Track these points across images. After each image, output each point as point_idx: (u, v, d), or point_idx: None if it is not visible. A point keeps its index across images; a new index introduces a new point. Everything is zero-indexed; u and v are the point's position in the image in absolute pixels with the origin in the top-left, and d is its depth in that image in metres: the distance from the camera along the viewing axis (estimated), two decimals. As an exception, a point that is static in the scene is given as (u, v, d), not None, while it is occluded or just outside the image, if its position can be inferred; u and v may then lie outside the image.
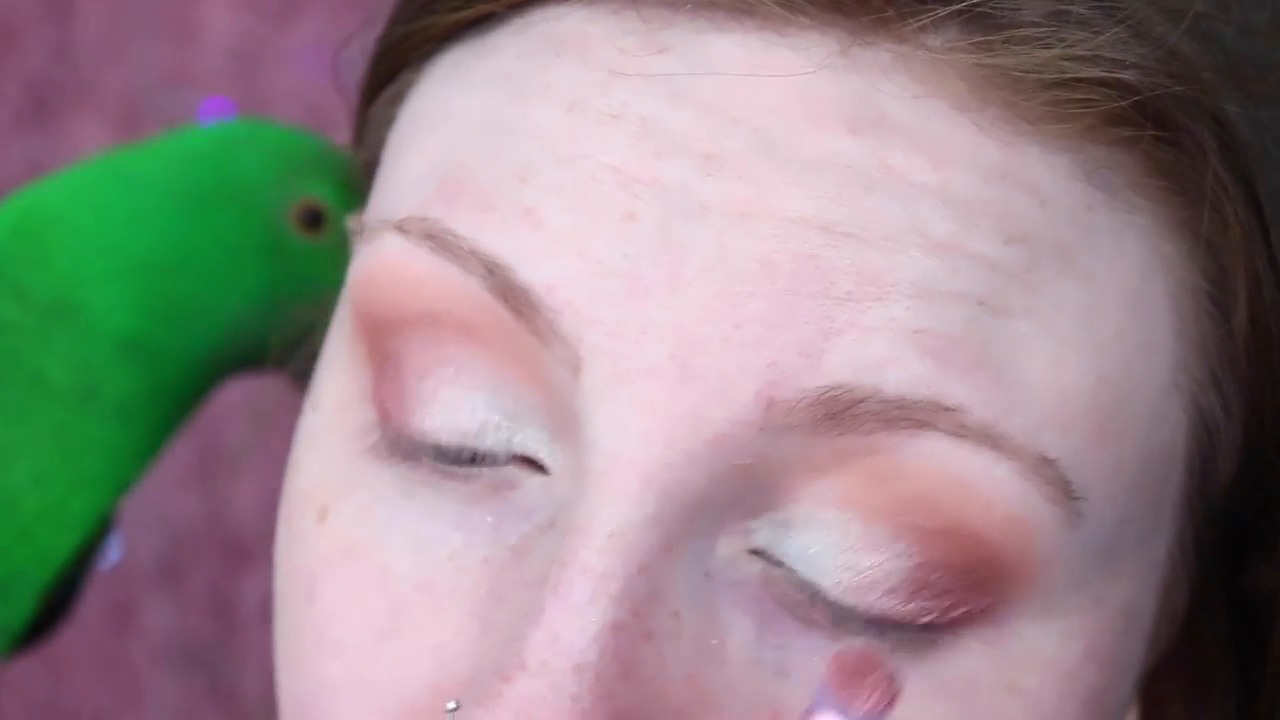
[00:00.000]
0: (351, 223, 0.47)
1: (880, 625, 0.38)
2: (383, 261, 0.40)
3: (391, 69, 0.45)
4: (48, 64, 1.38)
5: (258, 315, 0.56)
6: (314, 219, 0.56)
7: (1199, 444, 0.41)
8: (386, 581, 0.40)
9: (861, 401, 0.36)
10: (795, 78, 0.37)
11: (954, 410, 0.37)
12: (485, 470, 0.40)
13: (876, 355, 0.36)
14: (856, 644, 0.37)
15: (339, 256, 0.53)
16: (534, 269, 0.38)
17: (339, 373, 0.43)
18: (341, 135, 1.43)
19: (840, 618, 0.38)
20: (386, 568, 0.40)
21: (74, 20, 1.37)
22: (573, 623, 0.36)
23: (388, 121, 0.45)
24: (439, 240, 0.39)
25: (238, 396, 1.37)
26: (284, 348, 0.56)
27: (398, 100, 0.44)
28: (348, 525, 0.41)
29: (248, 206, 0.56)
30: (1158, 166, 0.39)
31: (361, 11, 1.48)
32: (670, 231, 0.37)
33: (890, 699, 0.36)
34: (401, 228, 0.40)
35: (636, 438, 0.37)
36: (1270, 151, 0.40)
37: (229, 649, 1.21)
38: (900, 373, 0.36)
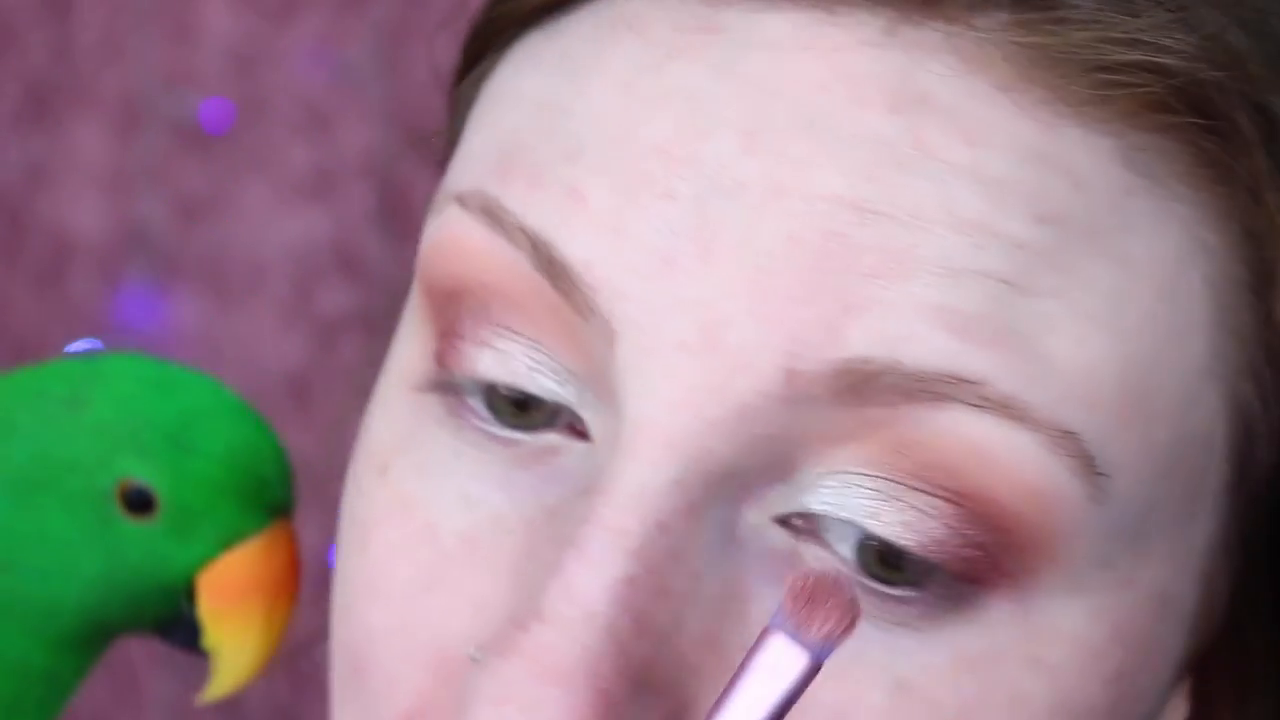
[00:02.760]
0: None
1: (914, 576, 0.38)
2: (445, 233, 0.42)
3: (479, 52, 0.47)
4: (47, 64, 1.38)
5: (104, 604, 0.52)
6: (140, 502, 0.52)
7: (1237, 433, 0.41)
8: (434, 536, 0.41)
9: (880, 375, 0.37)
10: (842, 56, 0.38)
11: (975, 383, 0.37)
12: (530, 437, 0.41)
13: (897, 330, 0.37)
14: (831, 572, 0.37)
15: (184, 533, 0.51)
16: (574, 246, 0.39)
17: (406, 341, 0.45)
18: (340, 134, 1.42)
19: (868, 569, 0.38)
20: (435, 523, 0.41)
21: (73, 20, 1.37)
22: (587, 574, 0.37)
23: (470, 101, 0.46)
24: (492, 215, 0.40)
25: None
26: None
27: (480, 81, 0.46)
28: (403, 481, 0.42)
29: (71, 492, 0.52)
30: (1202, 156, 0.39)
31: (361, 11, 1.47)
32: (706, 209, 0.38)
33: (848, 624, 0.36)
34: (461, 200, 0.41)
35: (664, 406, 0.38)
36: None
37: (229, 649, 1.21)
38: (920, 347, 0.37)
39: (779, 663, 0.36)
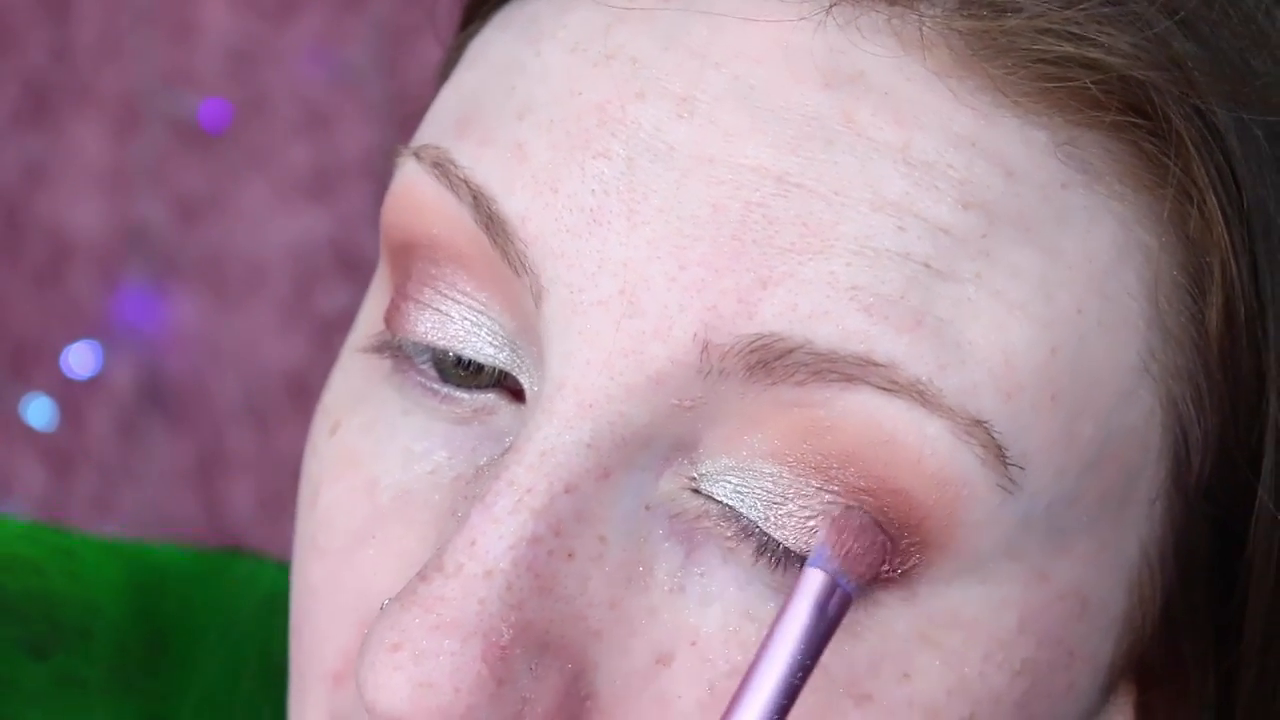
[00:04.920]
0: None
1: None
2: (401, 185, 0.42)
3: (469, 17, 0.48)
4: (46, 63, 1.38)
5: None
6: None
7: (1173, 438, 0.41)
8: (373, 491, 0.42)
9: (791, 352, 0.37)
10: (782, 30, 0.38)
11: (884, 366, 0.37)
12: (469, 395, 0.42)
13: (810, 308, 0.37)
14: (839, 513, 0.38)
15: None
16: (513, 201, 0.39)
17: (371, 298, 0.46)
18: (340, 134, 1.41)
19: (763, 553, 0.39)
20: (375, 478, 0.42)
21: (72, 20, 1.37)
22: (490, 530, 0.37)
23: (455, 61, 0.47)
24: (442, 169, 0.41)
25: (238, 397, 1.37)
26: None
27: (465, 44, 0.47)
28: (352, 437, 0.43)
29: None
30: (1141, 156, 0.39)
31: (361, 11, 1.47)
32: (636, 171, 0.38)
33: (879, 560, 0.37)
34: (418, 154, 0.42)
35: (582, 366, 0.38)
36: (1262, 161, 0.40)
37: (228, 650, 1.21)
38: (832, 327, 0.37)
39: (822, 598, 0.36)
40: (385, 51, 1.26)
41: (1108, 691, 0.43)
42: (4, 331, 1.41)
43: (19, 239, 1.39)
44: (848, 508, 0.38)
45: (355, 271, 1.31)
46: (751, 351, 0.37)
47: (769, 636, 0.36)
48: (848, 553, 0.37)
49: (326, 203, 1.31)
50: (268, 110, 1.31)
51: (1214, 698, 0.45)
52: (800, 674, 0.36)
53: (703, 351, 0.37)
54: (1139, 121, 0.38)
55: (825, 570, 0.37)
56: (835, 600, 0.37)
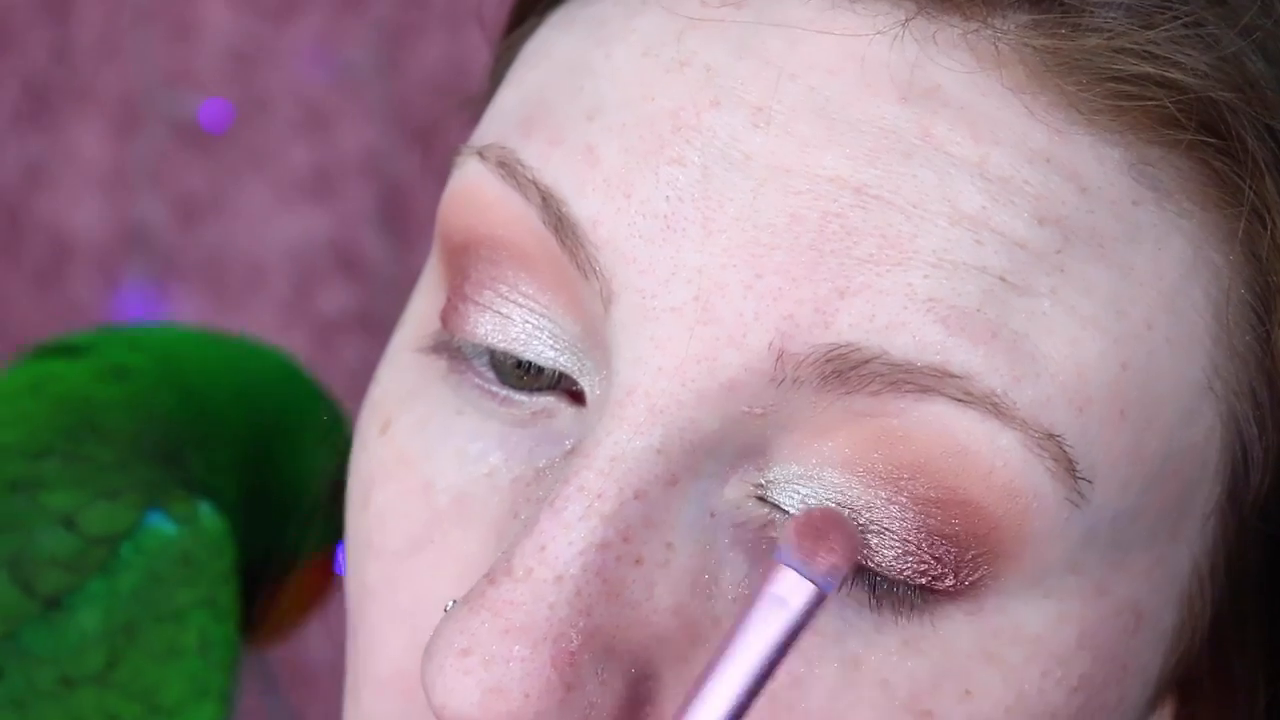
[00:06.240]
0: None
1: (870, 581, 0.39)
2: (462, 184, 0.42)
3: (522, 14, 0.48)
4: (46, 63, 1.38)
5: None
6: None
7: (1231, 454, 0.41)
8: (428, 493, 0.42)
9: (867, 362, 0.37)
10: (858, 43, 0.39)
11: (960, 377, 0.37)
12: (529, 398, 0.42)
13: (887, 318, 0.37)
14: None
15: None
16: (584, 204, 0.39)
17: (423, 294, 0.46)
18: (340, 134, 1.41)
19: None
20: (430, 480, 0.42)
21: (72, 19, 1.37)
22: (560, 536, 0.37)
23: (508, 62, 0.47)
24: (509, 168, 0.41)
25: (237, 397, 1.36)
26: None
27: (519, 42, 0.47)
28: (404, 437, 0.43)
29: None
30: (1212, 175, 0.39)
31: (361, 11, 1.47)
32: (711, 178, 0.38)
33: (850, 555, 0.37)
34: (482, 154, 0.42)
35: (653, 372, 0.38)
36: None
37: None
38: (908, 338, 0.37)
39: (788, 595, 0.36)
40: (385, 51, 1.26)
41: (1153, 703, 0.43)
42: (4, 331, 1.41)
43: (19, 239, 1.39)
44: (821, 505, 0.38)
45: (355, 271, 1.31)
46: (827, 361, 0.37)
47: (730, 632, 0.36)
48: (815, 547, 0.37)
49: (326, 203, 1.31)
50: (268, 110, 1.31)
51: (1264, 712, 0.45)
52: (763, 670, 0.36)
53: (778, 360, 0.37)
54: (1211, 141, 0.38)
55: (789, 564, 0.37)
56: (803, 595, 0.36)
